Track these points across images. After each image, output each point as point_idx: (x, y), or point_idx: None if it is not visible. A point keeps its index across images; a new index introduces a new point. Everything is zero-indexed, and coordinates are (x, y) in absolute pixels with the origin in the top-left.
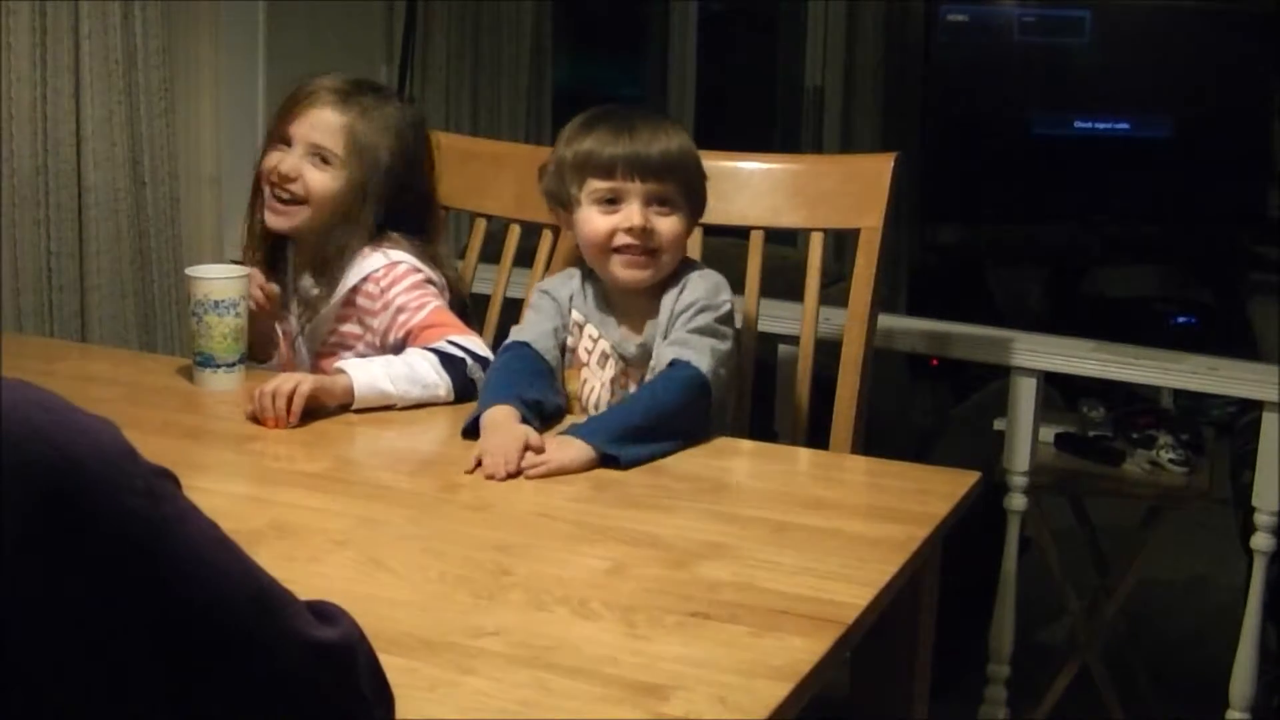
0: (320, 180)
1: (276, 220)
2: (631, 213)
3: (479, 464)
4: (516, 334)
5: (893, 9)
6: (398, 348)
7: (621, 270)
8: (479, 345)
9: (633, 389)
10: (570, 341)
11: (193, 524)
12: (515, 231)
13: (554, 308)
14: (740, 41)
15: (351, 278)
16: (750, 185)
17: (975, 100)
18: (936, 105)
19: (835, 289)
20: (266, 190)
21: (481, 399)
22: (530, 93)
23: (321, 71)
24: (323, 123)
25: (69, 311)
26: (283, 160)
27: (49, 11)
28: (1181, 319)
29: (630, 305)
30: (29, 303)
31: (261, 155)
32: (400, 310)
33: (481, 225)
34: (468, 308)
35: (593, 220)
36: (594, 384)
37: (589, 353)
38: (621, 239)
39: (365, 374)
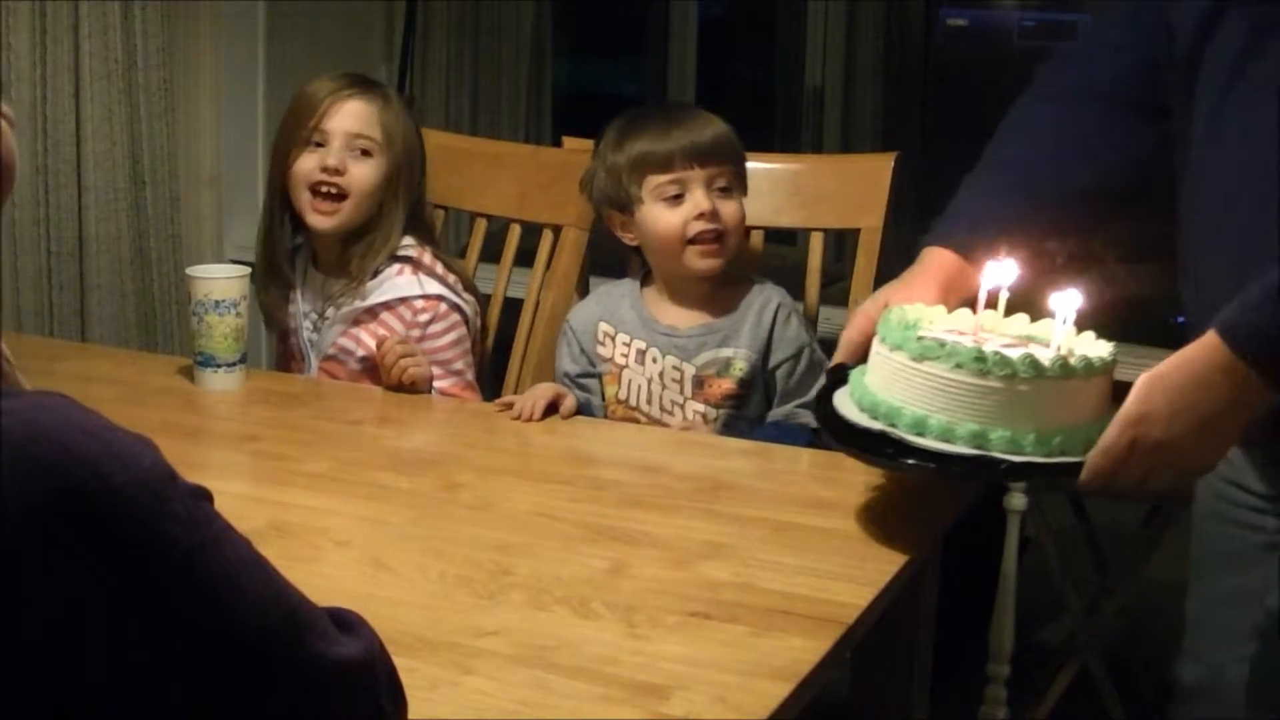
0: (363, 172)
1: (322, 221)
2: (698, 200)
3: (509, 406)
4: None
5: (893, 10)
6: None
7: (698, 261)
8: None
9: (688, 376)
10: (604, 353)
11: (229, 547)
12: (515, 231)
13: (572, 349)
14: (740, 42)
15: (384, 291)
16: (750, 185)
17: (975, 101)
18: (936, 107)
19: (835, 289)
20: (304, 194)
21: None
22: (530, 93)
23: (320, 72)
24: (357, 113)
25: (69, 311)
26: (326, 157)
27: (49, 11)
28: (1181, 319)
29: (681, 301)
30: (29, 303)
31: (283, 164)
32: (434, 361)
33: (481, 225)
34: (480, 314)
35: (662, 217)
36: (639, 381)
37: (625, 356)
38: (695, 228)
39: None
